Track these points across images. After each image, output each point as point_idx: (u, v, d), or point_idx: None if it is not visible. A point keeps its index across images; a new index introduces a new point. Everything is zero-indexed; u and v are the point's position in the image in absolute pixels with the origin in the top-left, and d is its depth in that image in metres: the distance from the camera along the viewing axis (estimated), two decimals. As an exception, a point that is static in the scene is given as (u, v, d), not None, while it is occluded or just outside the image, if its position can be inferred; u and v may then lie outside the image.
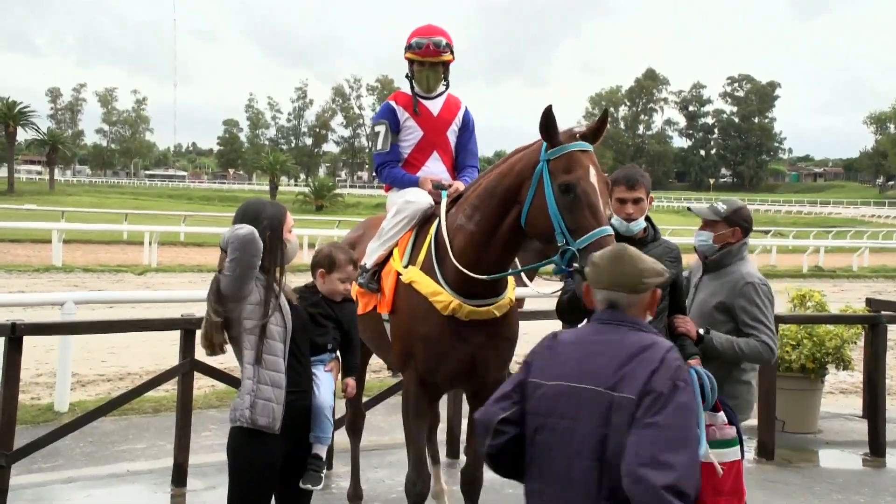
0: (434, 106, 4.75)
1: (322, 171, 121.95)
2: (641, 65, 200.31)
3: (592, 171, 3.46)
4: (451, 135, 4.84)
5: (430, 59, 4.60)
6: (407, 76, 4.73)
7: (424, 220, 4.34)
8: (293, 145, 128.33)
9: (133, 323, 6.39)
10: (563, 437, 2.60)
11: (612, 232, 3.38)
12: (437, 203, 4.29)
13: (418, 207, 4.36)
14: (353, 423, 5.45)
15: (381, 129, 4.67)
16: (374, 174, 4.89)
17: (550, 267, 3.61)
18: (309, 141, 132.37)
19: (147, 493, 5.71)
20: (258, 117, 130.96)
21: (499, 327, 4.05)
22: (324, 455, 3.57)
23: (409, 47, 4.64)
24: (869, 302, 8.87)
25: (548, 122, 3.52)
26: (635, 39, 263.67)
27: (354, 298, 4.21)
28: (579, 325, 3.81)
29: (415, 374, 4.08)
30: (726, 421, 3.67)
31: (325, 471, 3.54)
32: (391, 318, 4.23)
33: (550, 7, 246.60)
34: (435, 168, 4.74)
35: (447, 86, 4.81)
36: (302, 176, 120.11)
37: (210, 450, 6.49)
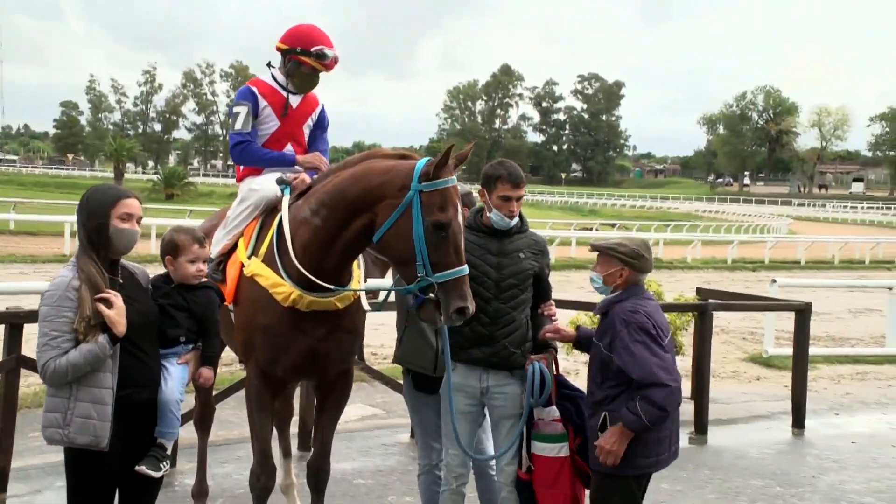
0: (294, 99, 4.71)
1: (173, 159, 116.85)
2: (501, 61, 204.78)
3: (460, 210, 3.58)
4: (307, 129, 4.81)
5: (328, 70, 4.59)
6: (279, 68, 4.62)
7: (270, 210, 4.27)
8: (140, 131, 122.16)
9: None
10: None
11: (467, 272, 3.52)
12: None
13: (263, 195, 4.29)
14: (203, 416, 5.31)
15: (243, 109, 4.55)
16: (230, 160, 4.75)
17: None
18: (158, 127, 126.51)
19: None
20: (100, 100, 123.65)
21: (341, 320, 4.02)
22: (169, 448, 3.46)
23: (313, 54, 4.47)
24: (698, 291, 9.53)
25: (444, 159, 3.54)
26: (496, 36, 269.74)
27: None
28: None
29: (256, 367, 4.03)
30: (556, 416, 3.79)
31: (167, 462, 3.41)
32: (234, 309, 4.16)
33: (414, 2, 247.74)
34: None
35: None
36: (151, 163, 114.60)
37: (37, 451, 6.08)
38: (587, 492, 3.86)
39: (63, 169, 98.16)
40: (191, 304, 3.58)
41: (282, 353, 3.95)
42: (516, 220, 3.96)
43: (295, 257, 3.82)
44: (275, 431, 4.94)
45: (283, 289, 3.87)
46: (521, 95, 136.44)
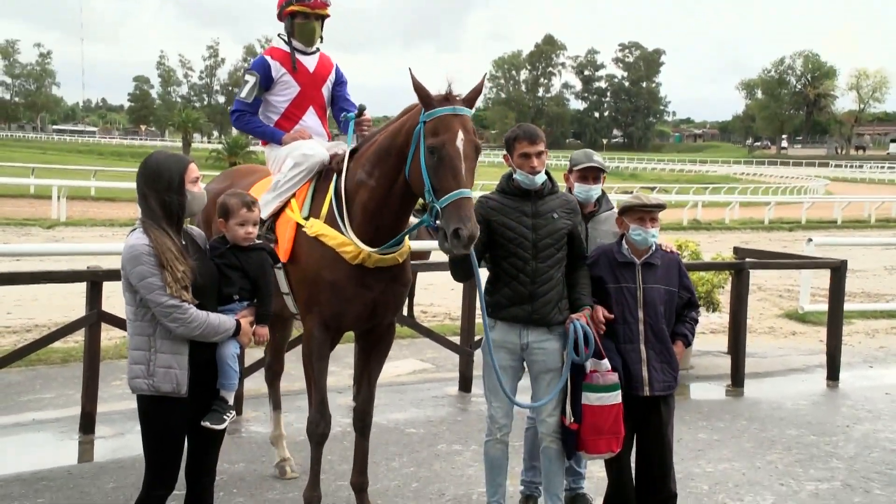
0: (310, 63, 4.73)
1: (235, 129, 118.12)
2: (545, 31, 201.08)
3: (460, 135, 3.51)
4: (326, 91, 4.85)
5: (317, 11, 4.57)
6: (284, 32, 4.68)
7: (320, 174, 4.30)
8: (206, 103, 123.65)
9: (37, 275, 6.04)
10: None
11: (470, 194, 3.45)
12: (335, 158, 4.25)
13: (316, 160, 4.30)
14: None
15: (252, 80, 4.62)
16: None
17: None
18: (222, 99, 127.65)
19: (53, 441, 5.52)
20: (169, 75, 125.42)
21: (398, 273, 4.10)
22: (230, 399, 3.50)
23: (291, 2, 4.56)
24: (736, 251, 9.32)
25: (415, 86, 3.60)
26: (541, 6, 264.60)
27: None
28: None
29: (319, 319, 4.05)
30: (609, 368, 3.81)
31: (230, 413, 3.46)
32: (290, 267, 4.17)
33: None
34: (311, 122, 4.76)
35: (322, 41, 4.80)
36: (215, 133, 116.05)
37: (120, 398, 6.30)
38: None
39: (136, 139, 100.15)
40: (244, 264, 3.58)
41: (348, 305, 4.00)
42: (542, 177, 3.90)
43: (356, 217, 3.90)
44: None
45: (350, 248, 3.91)
46: (563, 64, 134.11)
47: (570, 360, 3.81)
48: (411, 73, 3.64)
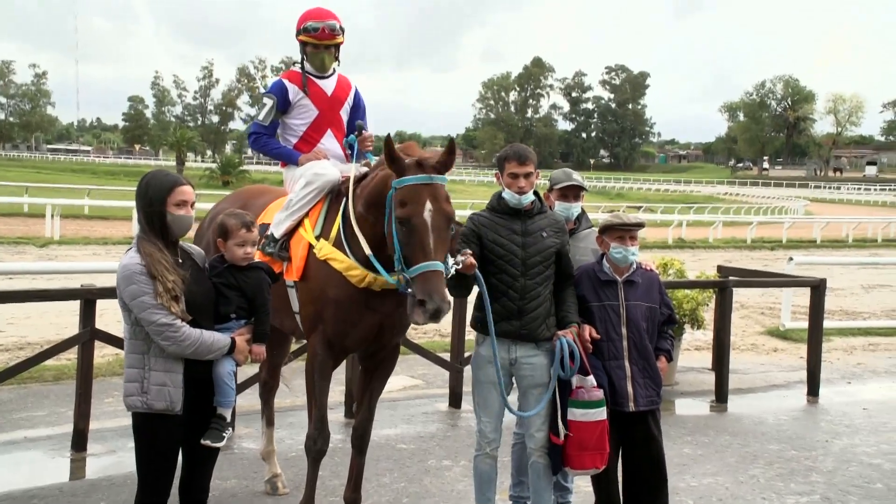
0: (327, 86, 4.70)
1: (229, 148, 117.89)
2: (536, 52, 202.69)
3: (428, 206, 3.46)
4: (344, 113, 4.80)
5: (325, 42, 4.56)
6: (301, 58, 4.67)
7: (334, 194, 4.29)
8: (199, 123, 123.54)
9: (30, 293, 6.02)
10: None
11: (439, 267, 3.41)
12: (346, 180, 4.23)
13: (327, 180, 4.30)
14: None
15: (270, 102, 4.62)
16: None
17: None
18: (215, 119, 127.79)
19: (45, 458, 5.46)
20: (164, 94, 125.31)
21: (404, 297, 4.03)
22: (228, 416, 3.49)
23: (303, 31, 4.56)
24: (719, 269, 9.39)
25: (388, 151, 3.55)
26: (532, 29, 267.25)
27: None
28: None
29: (323, 338, 4.05)
30: (594, 384, 3.82)
31: (228, 430, 3.45)
32: (300, 284, 4.17)
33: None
34: (329, 145, 4.70)
35: (338, 65, 4.78)
36: (209, 152, 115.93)
37: (112, 416, 6.26)
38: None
39: (130, 158, 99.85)
40: (241, 283, 3.57)
41: (352, 326, 4.00)
42: (529, 197, 3.92)
43: (365, 245, 3.89)
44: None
45: (356, 272, 3.92)
46: (551, 86, 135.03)
47: (556, 375, 3.83)
48: (389, 141, 3.56)
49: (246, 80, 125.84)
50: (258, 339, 3.58)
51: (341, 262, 3.95)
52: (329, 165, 4.41)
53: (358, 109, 4.86)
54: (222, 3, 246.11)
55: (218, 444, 3.40)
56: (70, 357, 7.10)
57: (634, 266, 4.03)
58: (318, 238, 4.11)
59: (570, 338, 3.82)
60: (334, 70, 4.77)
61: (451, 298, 3.55)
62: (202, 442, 3.36)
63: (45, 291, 6.25)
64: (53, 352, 5.78)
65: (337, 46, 4.67)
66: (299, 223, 4.27)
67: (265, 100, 4.64)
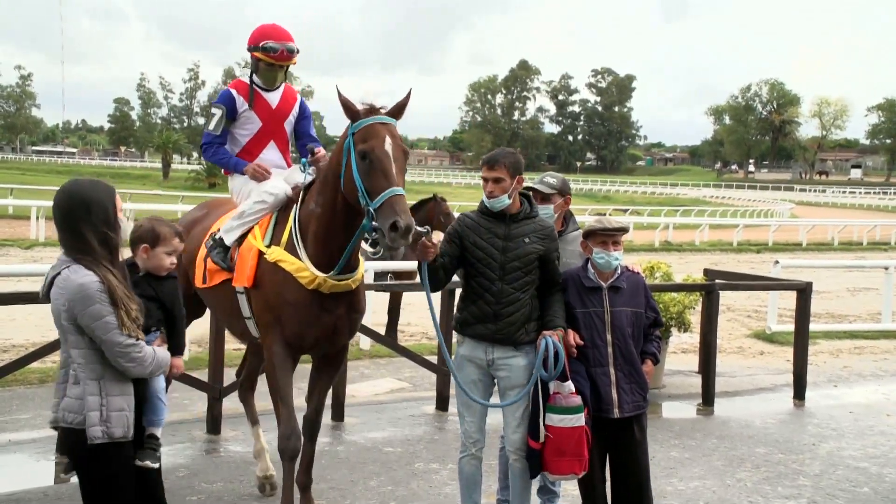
0: (273, 99, 4.80)
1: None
2: (524, 55, 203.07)
3: (388, 141, 3.69)
4: (288, 126, 4.93)
5: (281, 62, 4.66)
6: (251, 71, 4.75)
7: (283, 205, 4.45)
8: (186, 125, 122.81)
9: (15, 296, 5.94)
10: None
11: (402, 192, 3.60)
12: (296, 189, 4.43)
13: (280, 199, 4.45)
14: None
15: (218, 112, 4.71)
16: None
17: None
18: (201, 120, 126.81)
19: (30, 462, 5.41)
20: (150, 96, 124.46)
21: (353, 301, 4.23)
22: (159, 434, 3.38)
23: (260, 48, 4.61)
24: (706, 272, 9.43)
25: (342, 102, 3.82)
26: (520, 32, 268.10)
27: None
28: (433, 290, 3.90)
29: (280, 338, 4.15)
30: (572, 391, 3.79)
31: (159, 450, 3.36)
32: (252, 291, 4.27)
33: (445, 1, 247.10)
34: (270, 157, 4.83)
35: (285, 79, 4.89)
36: (195, 154, 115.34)
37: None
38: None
39: (116, 160, 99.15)
40: (160, 294, 3.44)
41: (308, 327, 4.12)
42: (502, 201, 3.90)
43: (311, 246, 4.07)
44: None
45: (306, 273, 4.05)
46: (538, 89, 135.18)
47: (538, 375, 3.82)
48: (338, 91, 3.83)
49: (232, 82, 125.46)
50: (176, 352, 3.44)
51: (291, 263, 4.09)
52: (279, 183, 4.52)
53: (304, 119, 4.99)
54: (209, 5, 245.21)
55: (155, 465, 3.29)
56: (55, 360, 7.03)
57: (619, 271, 4.02)
58: (268, 246, 4.24)
59: (556, 339, 3.80)
60: (283, 82, 4.88)
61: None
62: (138, 463, 3.21)
63: (29, 294, 6.15)
64: (39, 354, 5.72)
65: (289, 66, 4.80)
66: (248, 231, 4.39)
67: (214, 110, 4.74)
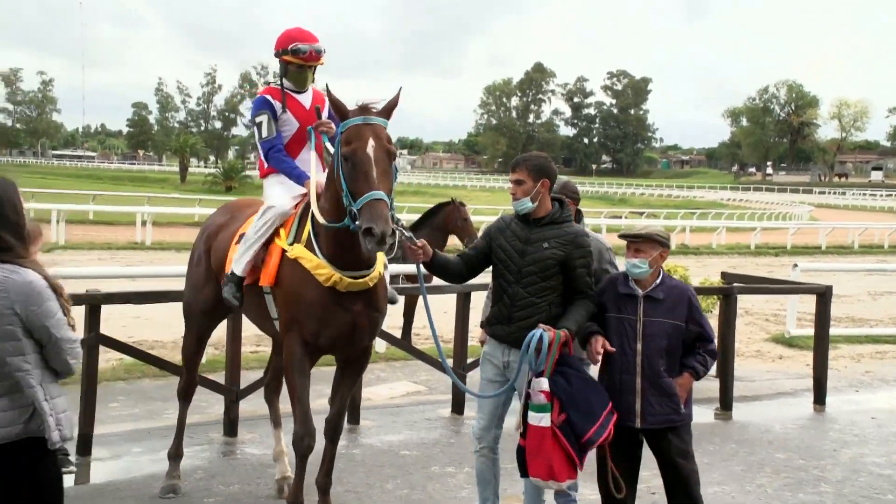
0: (304, 100, 4.83)
1: (232, 154, 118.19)
2: (539, 57, 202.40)
3: (371, 143, 3.71)
4: None
5: (311, 63, 4.69)
6: (281, 75, 4.74)
7: (306, 205, 4.43)
8: (203, 128, 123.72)
9: None
10: None
11: (382, 196, 3.60)
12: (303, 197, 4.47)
13: (277, 212, 4.45)
14: (185, 390, 5.27)
15: (264, 118, 4.70)
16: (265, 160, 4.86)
17: None
18: (218, 124, 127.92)
19: (50, 465, 5.43)
20: (167, 101, 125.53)
21: (372, 299, 4.22)
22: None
23: (290, 51, 4.62)
24: (723, 275, 9.35)
25: (332, 102, 3.91)
26: (535, 34, 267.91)
27: None
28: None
29: (298, 337, 4.18)
30: (544, 389, 3.66)
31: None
32: (275, 290, 4.31)
33: (464, 4, 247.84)
34: (308, 157, 4.76)
35: (313, 80, 4.92)
36: (212, 158, 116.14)
37: (117, 420, 6.27)
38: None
39: (134, 164, 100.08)
40: None
41: (325, 325, 4.13)
42: (525, 204, 3.90)
43: (322, 242, 4.10)
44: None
45: (324, 271, 4.08)
46: (553, 91, 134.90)
47: (520, 362, 3.76)
48: (328, 90, 3.95)
49: (248, 86, 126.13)
50: None
51: (310, 260, 4.12)
52: (281, 196, 4.52)
53: (332, 118, 4.95)
54: (226, 11, 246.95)
55: (66, 469, 3.23)
56: (74, 362, 7.08)
57: (660, 280, 3.89)
58: (291, 244, 4.28)
59: (549, 335, 3.69)
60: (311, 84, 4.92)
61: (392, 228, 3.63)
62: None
63: (49, 297, 6.23)
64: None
65: (317, 66, 4.82)
66: (275, 233, 4.41)
67: (259, 118, 4.70)
